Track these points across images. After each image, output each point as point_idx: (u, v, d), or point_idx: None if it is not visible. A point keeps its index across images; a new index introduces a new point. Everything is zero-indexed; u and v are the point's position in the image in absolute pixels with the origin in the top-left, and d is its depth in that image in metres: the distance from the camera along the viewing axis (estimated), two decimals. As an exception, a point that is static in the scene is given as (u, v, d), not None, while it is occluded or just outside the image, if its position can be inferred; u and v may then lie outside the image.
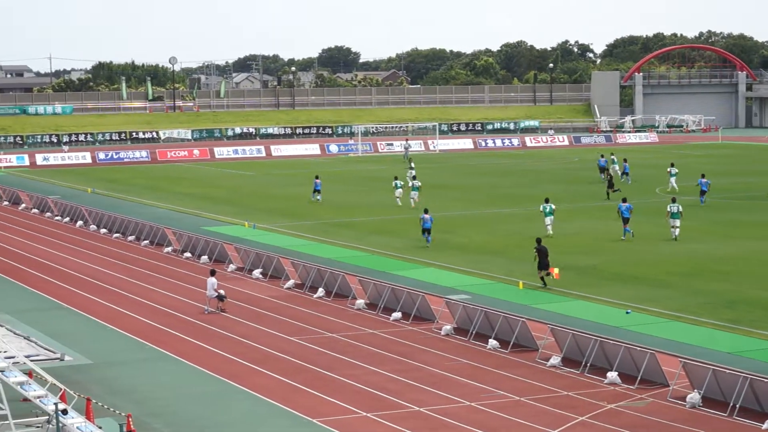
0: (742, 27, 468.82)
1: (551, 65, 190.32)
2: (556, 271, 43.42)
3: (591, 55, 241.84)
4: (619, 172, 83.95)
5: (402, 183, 72.32)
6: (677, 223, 54.35)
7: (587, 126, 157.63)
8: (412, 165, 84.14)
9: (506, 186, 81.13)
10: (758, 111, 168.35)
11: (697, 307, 38.97)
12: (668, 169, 77.33)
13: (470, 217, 64.21)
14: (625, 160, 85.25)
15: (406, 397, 29.03)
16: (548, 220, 56.22)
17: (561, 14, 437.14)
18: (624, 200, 56.59)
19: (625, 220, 55.09)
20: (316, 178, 75.62)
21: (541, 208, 56.66)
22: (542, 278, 43.74)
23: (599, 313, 38.49)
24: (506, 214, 65.47)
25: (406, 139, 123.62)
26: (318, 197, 73.55)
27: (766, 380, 27.42)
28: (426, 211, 55.37)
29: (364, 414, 27.73)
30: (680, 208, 54.54)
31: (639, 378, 29.87)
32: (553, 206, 56.61)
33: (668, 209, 54.98)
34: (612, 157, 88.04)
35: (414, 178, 72.59)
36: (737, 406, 27.23)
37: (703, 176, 69.73)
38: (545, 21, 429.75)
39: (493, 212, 66.29)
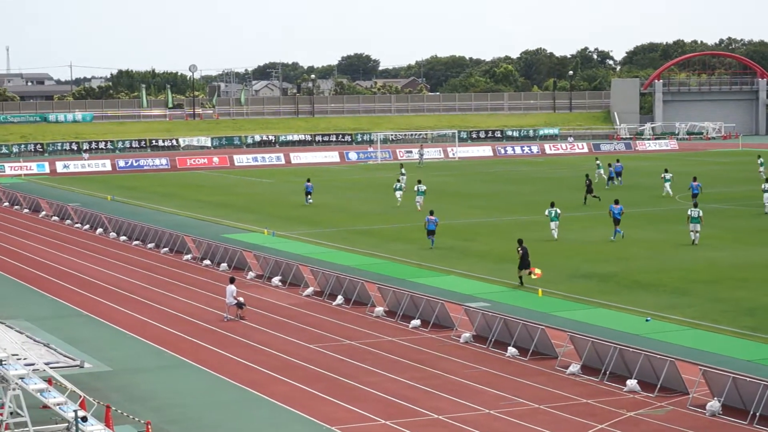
0: (763, 34, 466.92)
1: (571, 72, 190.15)
2: (537, 271, 45.04)
3: (611, 62, 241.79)
4: (605, 177, 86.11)
5: (403, 186, 76.74)
6: (697, 227, 54.93)
7: (607, 133, 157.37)
8: (403, 171, 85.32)
9: (526, 193, 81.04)
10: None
11: (718, 315, 38.84)
12: (662, 175, 78.91)
13: (490, 225, 64.14)
14: (617, 161, 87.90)
15: (425, 405, 28.99)
16: (553, 224, 57.44)
17: (581, 21, 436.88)
18: (616, 202, 58.15)
19: (616, 221, 56.92)
20: (308, 181, 78.90)
21: (547, 213, 57.97)
22: (520, 277, 45.57)
23: (619, 321, 38.39)
24: (526, 221, 65.36)
25: (421, 146, 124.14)
26: (310, 200, 76.65)
27: (786, 388, 27.30)
28: (431, 213, 56.25)
29: (383, 422, 27.70)
30: (700, 213, 55.03)
31: (659, 386, 29.77)
32: (558, 211, 57.85)
33: (689, 213, 55.56)
34: (597, 162, 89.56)
35: (419, 182, 73.70)
36: (757, 414, 27.12)
37: (695, 179, 71.61)
38: (565, 28, 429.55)
39: (512, 219, 66.22)
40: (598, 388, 30.47)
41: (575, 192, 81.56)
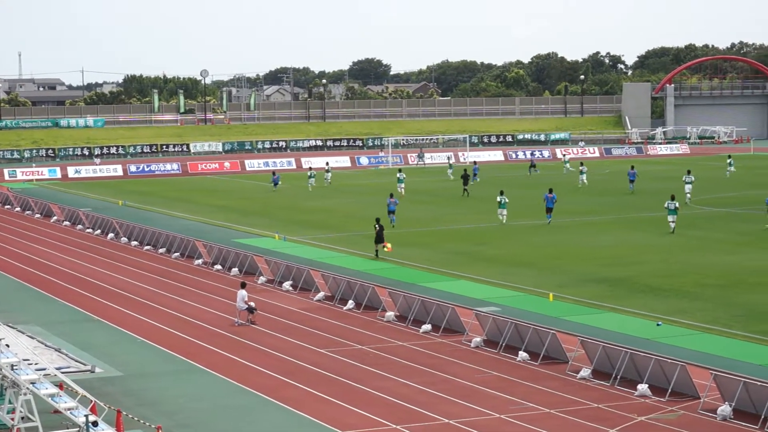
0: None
1: (582, 77, 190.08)
2: (389, 245, 53.49)
3: (622, 66, 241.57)
4: (586, 181, 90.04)
5: (405, 176, 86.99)
6: (674, 218, 60.79)
7: (618, 138, 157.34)
8: (400, 177, 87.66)
9: (536, 197, 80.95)
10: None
11: (729, 319, 38.76)
12: (579, 168, 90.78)
13: (501, 229, 64.08)
14: (632, 167, 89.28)
15: (436, 410, 28.97)
16: (502, 211, 65.85)
17: (592, 26, 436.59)
18: (550, 191, 66.12)
19: (548, 210, 65.26)
20: (274, 173, 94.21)
21: (498, 200, 66.05)
22: (376, 251, 53.76)
23: (630, 325, 38.32)
24: (536, 225, 65.32)
25: (421, 150, 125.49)
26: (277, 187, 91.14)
27: (798, 393, 27.23)
28: (391, 195, 67.14)
29: (394, 426, 27.69)
30: (677, 205, 61.31)
31: (670, 390, 29.72)
32: (507, 199, 65.99)
33: (666, 206, 61.28)
34: (581, 168, 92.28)
35: (400, 171, 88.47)
36: (769, 418, 27.07)
37: (689, 172, 76.57)
38: (576, 33, 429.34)
39: (523, 224, 66.15)
40: (609, 393, 30.42)
41: (588, 196, 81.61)
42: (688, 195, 75.65)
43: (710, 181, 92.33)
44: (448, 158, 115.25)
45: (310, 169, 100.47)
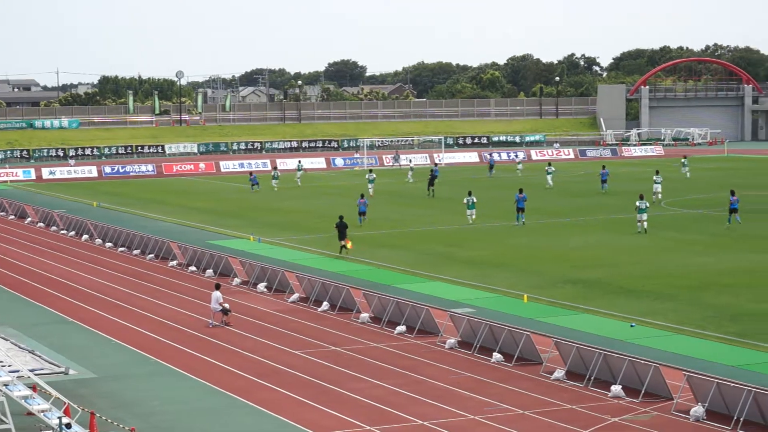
0: (749, 40, 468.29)
1: (557, 78, 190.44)
2: (350, 243, 55.06)
3: (597, 68, 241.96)
4: (551, 183, 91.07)
5: (375, 177, 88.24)
6: (644, 217, 61.47)
7: (593, 139, 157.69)
8: (369, 177, 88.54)
9: (511, 199, 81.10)
10: (764, 124, 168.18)
11: (702, 321, 38.93)
12: (545, 168, 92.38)
13: (474, 230, 64.21)
14: (603, 167, 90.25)
15: (410, 411, 29.03)
16: (470, 212, 66.99)
17: (567, 28, 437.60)
18: (521, 191, 66.58)
19: (519, 209, 65.78)
20: (251, 174, 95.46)
21: (465, 201, 67.40)
22: (341, 247, 55.16)
23: (604, 327, 38.46)
24: (509, 226, 65.45)
25: (396, 152, 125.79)
26: (258, 188, 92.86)
27: (770, 394, 27.39)
28: (362, 196, 68.41)
29: (368, 428, 27.73)
30: (647, 204, 62.33)
31: (643, 391, 29.85)
32: (475, 199, 67.22)
33: (637, 204, 61.80)
34: (546, 168, 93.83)
35: (370, 171, 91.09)
36: (741, 419, 27.19)
37: (657, 172, 78.40)
38: (551, 34, 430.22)
39: (498, 225, 66.29)
40: (583, 394, 30.54)
41: (562, 198, 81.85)
42: (659, 195, 76.35)
43: (683, 183, 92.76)
44: (409, 161, 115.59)
45: (275, 169, 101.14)
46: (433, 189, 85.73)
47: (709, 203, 75.49)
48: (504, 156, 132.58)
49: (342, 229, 55.34)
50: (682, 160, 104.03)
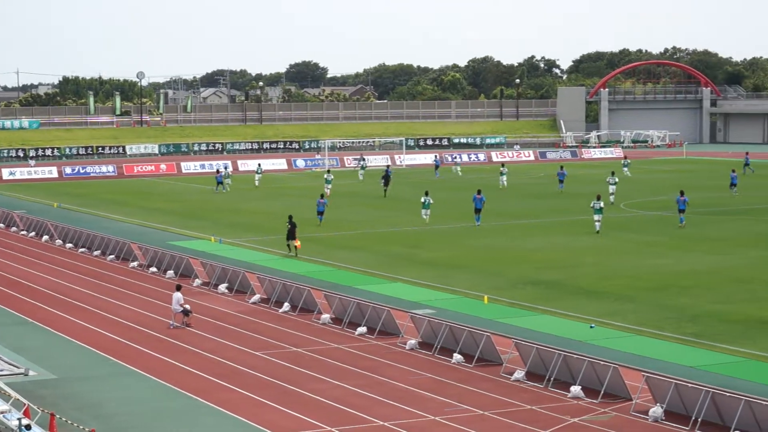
0: (707, 43, 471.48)
1: (518, 81, 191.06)
2: (298, 242, 55.91)
3: (557, 70, 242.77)
4: (505, 184, 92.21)
5: (332, 177, 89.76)
6: (599, 217, 62.24)
7: (553, 141, 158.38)
8: (327, 178, 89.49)
9: (471, 200, 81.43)
10: (722, 126, 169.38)
11: (661, 322, 39.21)
12: (500, 169, 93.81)
13: (436, 232, 64.37)
14: (561, 167, 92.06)
15: (371, 412, 29.10)
16: (425, 212, 67.79)
17: (528, 30, 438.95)
18: (479, 192, 67.10)
19: (477, 210, 66.32)
20: (217, 171, 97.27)
21: (422, 200, 68.17)
22: (288, 246, 56.17)
23: (563, 328, 38.65)
24: (468, 228, 65.64)
25: (361, 155, 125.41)
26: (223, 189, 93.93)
27: (728, 394, 27.60)
28: (322, 196, 69.83)
29: (329, 429, 27.77)
30: (602, 205, 62.74)
31: (602, 392, 30.04)
32: (431, 200, 68.23)
33: (592, 205, 62.93)
34: (501, 169, 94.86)
35: (328, 171, 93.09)
36: (699, 420, 27.41)
37: (612, 173, 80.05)
38: (512, 37, 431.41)
39: (458, 227, 66.47)
40: (543, 395, 30.70)
41: (522, 200, 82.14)
42: (612, 195, 76.90)
43: (641, 184, 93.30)
44: (361, 159, 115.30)
45: (225, 169, 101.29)
46: (386, 189, 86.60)
47: (667, 205, 75.87)
48: (465, 158, 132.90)
49: (292, 228, 55.91)
50: (624, 161, 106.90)
